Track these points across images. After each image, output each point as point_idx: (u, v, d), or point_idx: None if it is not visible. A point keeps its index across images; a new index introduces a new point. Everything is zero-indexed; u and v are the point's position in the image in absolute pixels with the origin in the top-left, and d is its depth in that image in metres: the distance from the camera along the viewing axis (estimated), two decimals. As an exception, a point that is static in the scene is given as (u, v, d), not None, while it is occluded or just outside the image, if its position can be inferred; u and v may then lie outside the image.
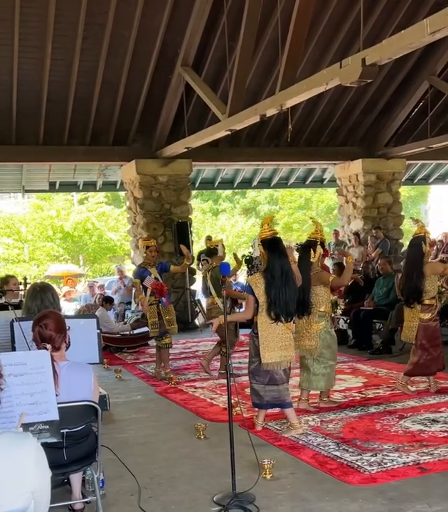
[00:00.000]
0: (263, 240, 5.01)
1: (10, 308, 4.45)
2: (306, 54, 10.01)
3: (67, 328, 3.49)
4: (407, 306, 6.21)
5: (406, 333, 6.25)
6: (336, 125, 12.83)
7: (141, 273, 7.45)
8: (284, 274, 4.88)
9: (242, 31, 8.36)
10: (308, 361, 5.65)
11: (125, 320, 11.37)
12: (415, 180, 17.00)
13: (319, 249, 5.64)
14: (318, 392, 5.81)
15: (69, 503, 3.71)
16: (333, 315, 5.90)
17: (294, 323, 5.23)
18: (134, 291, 12.81)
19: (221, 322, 5.10)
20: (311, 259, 5.58)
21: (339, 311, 6.07)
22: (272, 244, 4.98)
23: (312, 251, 5.59)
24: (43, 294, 4.42)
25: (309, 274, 5.57)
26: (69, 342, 3.51)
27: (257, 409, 5.23)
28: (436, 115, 12.63)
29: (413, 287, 6.04)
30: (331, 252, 12.08)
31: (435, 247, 13.58)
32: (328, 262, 12.23)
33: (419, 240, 6.11)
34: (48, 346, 3.33)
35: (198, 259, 12.54)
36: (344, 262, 11.61)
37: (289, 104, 7.77)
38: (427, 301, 6.05)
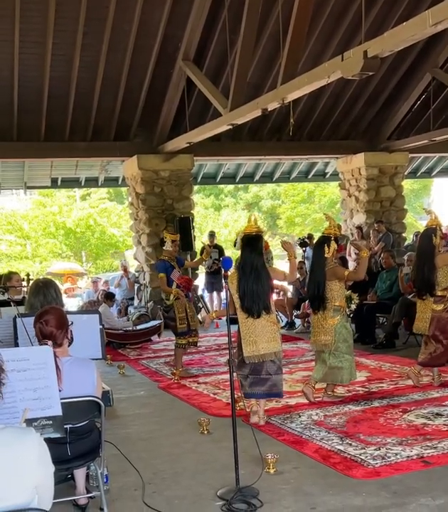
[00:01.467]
0: (245, 235, 5.16)
1: (12, 304, 4.45)
2: (307, 47, 9.97)
3: (70, 323, 3.48)
4: (419, 298, 6.20)
5: (418, 324, 6.24)
6: (338, 119, 12.79)
7: (166, 267, 7.28)
8: (253, 271, 5.03)
9: (243, 25, 8.33)
10: (326, 355, 5.69)
11: (128, 316, 11.39)
12: (418, 174, 16.95)
13: (333, 245, 5.66)
14: (325, 385, 5.83)
15: (73, 498, 3.72)
16: (347, 309, 5.91)
17: (271, 314, 5.19)
18: (133, 286, 12.89)
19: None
20: (326, 255, 5.62)
21: (353, 306, 6.09)
22: (249, 241, 5.14)
23: (326, 246, 5.63)
24: (45, 290, 4.43)
25: (324, 269, 5.62)
26: (71, 337, 3.51)
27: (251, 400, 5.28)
28: (439, 108, 12.58)
29: (425, 279, 6.03)
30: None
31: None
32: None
33: (429, 232, 6.11)
34: (49, 342, 3.33)
35: (201, 254, 12.60)
36: (348, 256, 11.61)
37: (290, 98, 7.75)
38: (439, 293, 6.04)
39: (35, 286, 4.57)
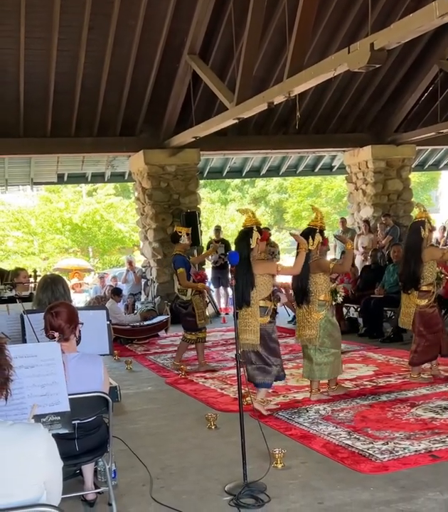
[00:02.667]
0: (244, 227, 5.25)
1: (18, 301, 4.46)
2: (313, 40, 9.92)
3: (81, 323, 3.49)
4: (404, 292, 6.15)
5: (403, 319, 6.20)
6: (344, 112, 12.73)
7: (185, 262, 7.23)
8: (240, 262, 4.97)
9: (248, 18, 8.30)
10: (311, 351, 5.62)
11: (135, 311, 11.41)
12: (425, 166, 16.86)
13: (318, 237, 5.55)
14: (326, 381, 5.80)
15: (81, 493, 3.73)
16: (333, 303, 5.85)
17: (249, 307, 5.21)
18: (139, 281, 12.91)
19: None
20: (310, 247, 5.49)
21: (340, 299, 6.00)
22: (239, 234, 5.26)
23: (310, 238, 5.52)
24: (53, 286, 4.44)
25: (307, 262, 5.49)
26: (79, 336, 3.51)
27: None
28: (447, 99, 12.49)
29: (410, 273, 5.98)
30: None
31: (446, 233, 13.48)
32: (338, 250, 12.17)
33: (417, 225, 6.03)
34: (56, 334, 3.34)
35: (207, 249, 12.59)
36: (355, 250, 11.56)
37: (297, 91, 7.72)
38: (424, 288, 5.99)
39: (44, 282, 4.58)
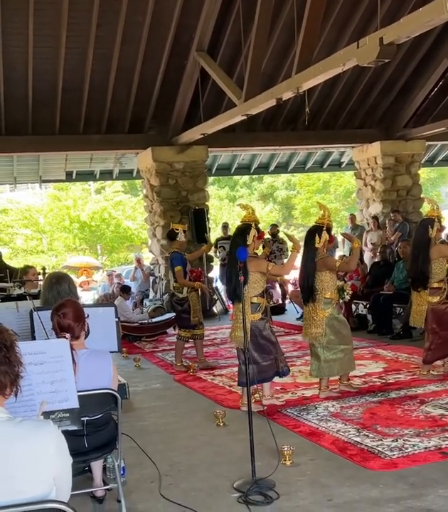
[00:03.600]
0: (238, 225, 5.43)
1: (28, 298, 4.47)
2: (322, 35, 9.85)
3: (86, 315, 3.50)
4: (414, 290, 6.10)
5: (415, 317, 6.16)
6: (353, 107, 12.65)
7: (183, 259, 7.21)
8: (231, 258, 5.20)
9: (257, 14, 8.26)
10: (318, 349, 5.60)
11: (143, 308, 11.42)
12: (435, 162, 16.72)
13: (325, 235, 5.52)
14: (337, 377, 5.77)
15: (90, 490, 3.74)
16: (340, 301, 5.81)
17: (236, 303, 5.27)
18: (147, 278, 12.93)
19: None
20: (316, 245, 5.49)
21: (347, 297, 5.98)
22: (235, 231, 5.37)
23: (317, 236, 5.50)
24: (58, 286, 4.43)
25: (314, 260, 5.50)
26: (88, 330, 3.52)
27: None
28: (457, 94, 12.39)
29: (418, 271, 5.94)
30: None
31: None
32: (346, 247, 12.11)
33: (426, 223, 6.00)
34: (67, 335, 3.34)
35: (216, 246, 12.58)
36: (364, 246, 11.52)
37: (305, 87, 7.68)
38: (435, 285, 5.95)
39: (49, 281, 4.58)
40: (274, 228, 12.79)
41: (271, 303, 6.31)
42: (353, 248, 5.83)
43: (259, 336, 5.30)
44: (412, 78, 12.25)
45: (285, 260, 10.60)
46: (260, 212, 28.42)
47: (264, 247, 5.95)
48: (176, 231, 7.28)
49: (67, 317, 3.39)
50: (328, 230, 5.59)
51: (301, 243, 5.62)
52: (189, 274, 7.27)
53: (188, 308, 7.21)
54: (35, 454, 1.91)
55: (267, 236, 10.59)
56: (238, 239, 5.24)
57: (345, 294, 5.81)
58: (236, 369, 7.00)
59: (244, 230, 5.25)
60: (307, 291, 5.56)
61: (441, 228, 6.22)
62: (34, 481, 1.92)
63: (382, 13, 8.96)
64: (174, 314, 10.05)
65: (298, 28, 7.67)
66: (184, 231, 7.33)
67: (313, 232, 5.59)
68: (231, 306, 12.55)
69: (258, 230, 5.29)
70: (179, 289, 7.24)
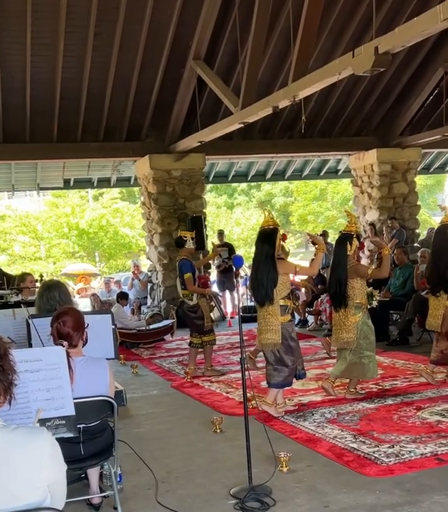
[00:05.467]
0: (261, 229, 5.35)
1: (23, 306, 4.48)
2: (318, 44, 9.92)
3: (86, 325, 3.51)
4: (433, 295, 6.14)
5: (431, 321, 6.17)
6: (349, 115, 12.72)
7: (192, 266, 7.23)
8: (262, 261, 5.21)
9: (253, 23, 8.32)
10: (347, 353, 5.69)
11: (140, 315, 11.42)
12: (431, 169, 16.80)
13: (355, 242, 5.64)
14: (345, 380, 5.83)
15: (87, 497, 3.75)
16: (368, 306, 5.87)
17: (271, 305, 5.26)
18: (145, 285, 12.93)
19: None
20: (348, 253, 5.59)
21: (375, 303, 6.04)
22: (262, 234, 5.33)
23: (348, 244, 5.61)
24: (48, 293, 4.43)
25: (346, 267, 5.60)
26: (86, 339, 3.53)
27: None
28: (452, 102, 12.45)
29: (440, 276, 5.97)
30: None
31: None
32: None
33: (444, 228, 6.05)
34: (65, 343, 3.36)
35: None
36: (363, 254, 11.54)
37: (301, 95, 7.72)
38: None
39: (41, 288, 4.59)
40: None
41: (296, 304, 6.40)
42: (383, 255, 5.88)
43: (289, 338, 5.35)
44: (408, 86, 12.33)
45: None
46: (258, 220, 28.50)
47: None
48: (184, 238, 7.31)
49: (67, 325, 3.40)
50: (358, 237, 5.71)
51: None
52: (198, 280, 7.30)
53: (201, 315, 7.22)
54: (30, 461, 1.91)
55: None
56: (266, 243, 5.25)
57: (374, 299, 5.87)
58: (233, 376, 7.04)
59: (270, 234, 5.28)
60: (339, 298, 5.65)
61: None
62: (29, 488, 1.92)
63: (378, 22, 9.03)
64: (172, 321, 10.12)
65: (294, 37, 7.72)
66: (192, 238, 7.35)
67: (344, 240, 5.70)
68: (228, 312, 12.66)
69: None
70: (189, 296, 7.24)
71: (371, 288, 6.03)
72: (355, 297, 5.62)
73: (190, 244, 7.29)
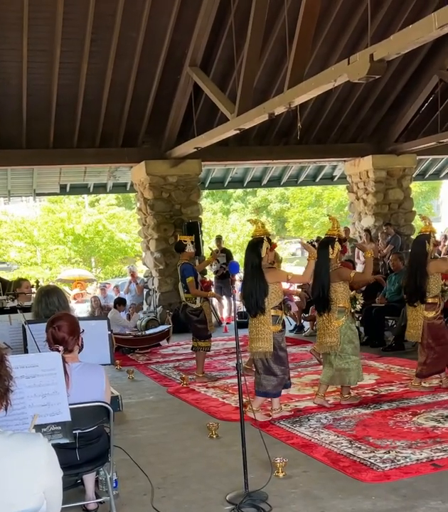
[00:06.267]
0: (251, 239, 5.42)
1: (19, 311, 4.47)
2: (313, 51, 9.97)
3: (82, 331, 3.51)
4: (410, 305, 6.16)
5: (411, 332, 6.19)
6: (345, 122, 12.78)
7: (194, 270, 7.26)
8: (250, 271, 5.26)
9: (249, 30, 8.36)
10: (331, 357, 5.69)
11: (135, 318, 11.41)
12: (426, 176, 16.88)
13: (337, 246, 5.64)
14: (339, 387, 5.85)
15: (83, 503, 3.74)
16: (352, 310, 5.89)
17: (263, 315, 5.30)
18: (141, 291, 12.94)
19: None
20: (330, 256, 5.60)
21: (358, 306, 6.05)
22: (250, 244, 5.40)
23: (330, 248, 5.61)
24: (47, 298, 4.42)
25: (328, 271, 5.60)
26: (82, 344, 3.53)
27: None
28: (447, 109, 12.53)
29: (417, 286, 5.99)
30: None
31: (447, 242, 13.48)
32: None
33: (422, 238, 6.05)
34: (61, 348, 3.36)
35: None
36: (356, 259, 11.58)
37: (297, 102, 7.76)
38: (430, 300, 5.99)
39: (39, 294, 4.58)
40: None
41: (288, 315, 6.39)
42: (365, 258, 5.88)
43: (278, 348, 5.37)
44: (403, 93, 12.40)
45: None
46: (251, 228, 28.50)
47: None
48: (184, 243, 7.35)
49: (62, 330, 3.40)
50: (340, 240, 5.71)
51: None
52: (201, 284, 7.32)
53: (204, 318, 7.23)
54: (26, 467, 1.91)
55: None
56: (252, 253, 5.30)
57: (357, 303, 5.88)
58: (229, 381, 7.04)
59: (256, 244, 5.31)
60: (322, 302, 5.66)
61: (437, 243, 6.28)
62: (25, 494, 1.91)
63: (373, 30, 9.08)
64: (168, 326, 10.11)
65: (290, 43, 7.77)
66: (192, 242, 7.40)
67: (326, 243, 5.71)
68: (224, 318, 12.66)
69: (270, 241, 5.38)
70: (192, 300, 7.24)
71: (354, 291, 6.04)
72: (338, 301, 5.61)
73: (190, 248, 7.34)
